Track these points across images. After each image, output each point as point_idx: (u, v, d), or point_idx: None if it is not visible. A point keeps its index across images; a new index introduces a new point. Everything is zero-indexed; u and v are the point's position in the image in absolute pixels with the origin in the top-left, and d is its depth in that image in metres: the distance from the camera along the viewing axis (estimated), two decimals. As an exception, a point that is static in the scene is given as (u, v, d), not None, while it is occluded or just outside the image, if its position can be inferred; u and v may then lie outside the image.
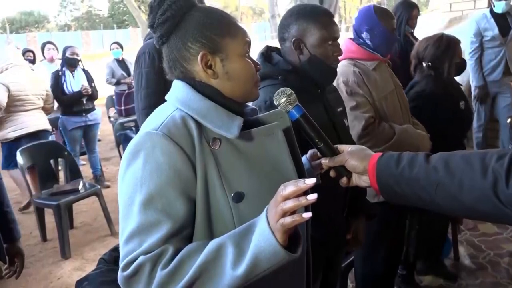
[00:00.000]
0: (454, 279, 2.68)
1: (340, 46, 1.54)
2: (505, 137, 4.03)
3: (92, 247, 3.48)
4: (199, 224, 0.91)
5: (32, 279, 3.05)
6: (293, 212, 0.78)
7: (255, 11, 34.24)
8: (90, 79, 4.66)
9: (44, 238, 3.62)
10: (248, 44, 1.01)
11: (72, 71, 4.55)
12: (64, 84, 4.44)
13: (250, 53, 1.03)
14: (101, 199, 3.59)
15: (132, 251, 0.86)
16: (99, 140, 7.16)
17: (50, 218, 3.60)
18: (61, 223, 3.28)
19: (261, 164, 0.98)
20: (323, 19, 1.47)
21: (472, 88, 4.09)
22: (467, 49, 3.96)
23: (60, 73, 4.48)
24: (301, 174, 1.06)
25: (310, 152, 1.18)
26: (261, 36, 23.91)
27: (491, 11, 3.88)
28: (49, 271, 3.15)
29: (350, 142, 1.68)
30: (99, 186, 3.72)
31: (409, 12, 3.42)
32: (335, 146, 1.05)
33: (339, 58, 1.55)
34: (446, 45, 2.35)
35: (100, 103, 7.04)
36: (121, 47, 6.36)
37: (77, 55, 4.58)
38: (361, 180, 1.01)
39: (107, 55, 6.81)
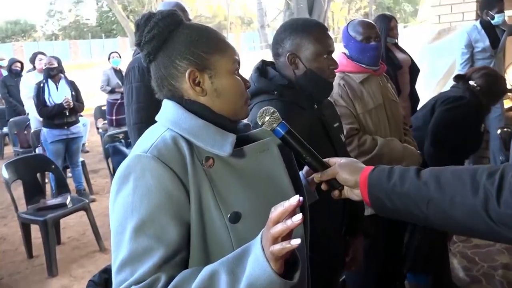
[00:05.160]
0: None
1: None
2: (495, 148, 4.05)
3: (80, 263, 3.39)
4: (194, 248, 0.88)
5: (17, 298, 2.94)
6: (287, 235, 0.74)
7: (243, 20, 34.41)
8: (75, 91, 4.58)
9: (30, 254, 3.50)
10: (237, 61, 0.99)
11: (55, 82, 4.46)
12: (46, 95, 4.35)
13: (239, 69, 1.01)
14: (89, 214, 3.51)
15: (124, 281, 0.82)
16: (87, 152, 7.09)
17: (36, 233, 3.50)
18: (48, 240, 3.19)
19: (257, 181, 0.95)
20: (317, 33, 1.46)
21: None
22: (458, 60, 3.99)
23: (42, 84, 4.39)
24: (299, 189, 1.03)
25: (305, 168, 1.16)
26: (250, 46, 24.02)
27: (481, 23, 3.92)
28: (35, 289, 3.05)
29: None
30: (87, 201, 3.64)
31: (387, 24, 3.46)
32: (325, 159, 1.03)
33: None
34: (499, 88, 2.50)
35: (88, 113, 6.96)
36: (120, 56, 6.40)
37: (50, 63, 4.44)
38: (353, 194, 1.00)
39: (95, 65, 6.78)
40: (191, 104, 0.95)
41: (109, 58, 6.39)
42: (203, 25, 1.02)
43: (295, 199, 0.73)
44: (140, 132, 2.26)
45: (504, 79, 2.62)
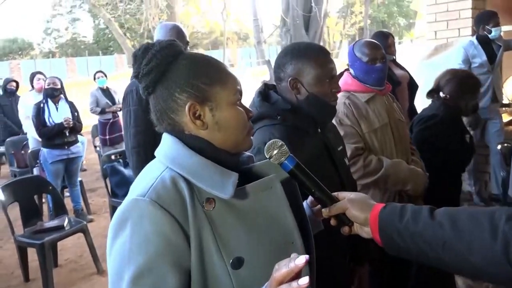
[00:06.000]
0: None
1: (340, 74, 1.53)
2: (496, 163, 4.04)
3: (78, 287, 3.32)
4: None
5: (13, 325, 2.87)
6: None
7: (240, 36, 34.67)
8: (74, 111, 4.56)
9: (26, 278, 3.43)
10: (239, 91, 0.95)
11: (55, 103, 4.45)
12: (46, 116, 4.33)
13: (241, 99, 0.98)
14: (87, 236, 3.46)
15: None
16: (84, 170, 7.04)
17: (33, 255, 3.43)
18: (45, 264, 3.13)
19: (260, 222, 0.91)
20: (319, 57, 1.44)
21: (462, 114, 4.12)
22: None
23: (42, 105, 4.37)
24: (304, 228, 1.00)
25: (310, 198, 1.13)
26: (247, 61, 24.14)
27: (478, 38, 3.94)
28: (32, 315, 2.98)
29: (351, 181, 1.63)
30: (85, 222, 3.59)
31: (384, 41, 3.48)
32: (334, 193, 1.01)
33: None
34: (469, 85, 2.40)
35: (85, 131, 6.94)
36: (106, 76, 6.30)
37: (54, 84, 4.44)
38: (363, 231, 0.97)
39: (92, 82, 6.74)
40: (191, 138, 0.92)
41: (94, 79, 6.27)
42: (203, 54, 0.99)
43: (302, 260, 0.70)
44: (138, 156, 2.25)
45: (469, 73, 2.52)
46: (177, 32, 2.26)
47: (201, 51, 28.97)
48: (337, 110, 2.03)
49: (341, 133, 1.98)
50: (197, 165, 0.88)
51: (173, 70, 0.92)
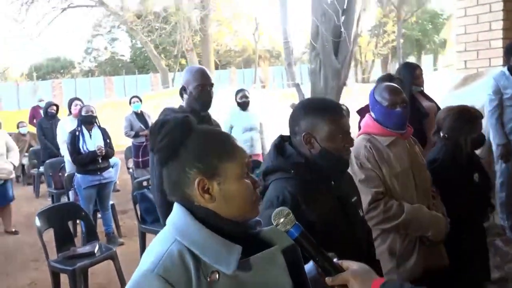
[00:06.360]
0: None
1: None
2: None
3: (106, 312, 3.43)
4: None
5: None
6: None
7: (272, 54, 34.95)
8: (106, 137, 4.76)
9: (59, 301, 3.58)
10: (247, 163, 1.02)
11: (89, 130, 4.66)
12: (80, 143, 4.54)
13: (249, 171, 1.04)
14: (116, 262, 3.57)
15: None
16: (117, 191, 7.27)
17: (65, 278, 3.56)
18: (76, 289, 3.25)
19: None
20: (332, 113, 1.49)
21: (494, 147, 4.01)
22: (486, 107, 3.92)
23: (77, 133, 4.59)
24: None
25: None
26: (279, 82, 24.26)
27: (509, 69, 3.86)
28: None
29: (365, 233, 1.65)
30: (114, 249, 3.71)
31: (412, 72, 3.47)
32: (339, 261, 1.05)
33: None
34: (465, 119, 2.31)
35: (118, 150, 7.18)
36: (140, 100, 6.59)
37: (92, 112, 4.69)
38: None
39: (127, 103, 7.04)
40: (200, 209, 0.99)
41: (130, 103, 6.62)
42: (215, 129, 1.07)
43: None
44: (162, 195, 2.33)
45: (466, 106, 2.38)
46: (202, 74, 2.37)
47: (233, 69, 29.47)
48: (358, 153, 2.07)
49: (362, 176, 2.00)
50: (203, 238, 0.95)
51: (185, 146, 0.99)
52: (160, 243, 0.99)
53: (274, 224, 1.04)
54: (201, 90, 2.33)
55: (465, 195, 2.24)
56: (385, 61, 29.58)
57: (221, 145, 1.01)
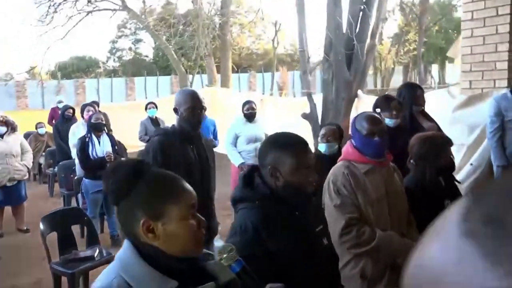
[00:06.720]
0: None
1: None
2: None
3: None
4: None
5: None
6: None
7: (293, 58, 34.93)
8: (114, 144, 4.91)
9: (59, 302, 3.72)
10: (192, 205, 1.10)
11: (98, 136, 4.81)
12: (90, 149, 4.70)
13: (195, 211, 1.12)
14: (115, 268, 3.70)
15: None
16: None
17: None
18: (74, 292, 3.39)
19: None
20: (295, 148, 1.56)
21: (495, 168, 3.99)
22: (487, 129, 3.90)
23: (87, 139, 4.75)
24: None
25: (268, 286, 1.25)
26: (298, 88, 24.22)
27: None
28: None
29: (328, 265, 1.70)
30: (113, 254, 3.84)
31: (413, 93, 3.48)
32: None
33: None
34: (430, 146, 2.32)
35: (131, 151, 7.35)
36: (156, 107, 6.82)
37: (102, 119, 4.85)
38: None
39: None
40: (146, 247, 1.09)
41: (146, 109, 6.85)
42: (166, 173, 1.16)
43: None
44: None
45: (433, 133, 2.37)
46: (192, 98, 2.47)
47: (253, 73, 29.60)
48: (336, 179, 2.14)
49: (338, 202, 2.07)
50: (143, 274, 1.05)
51: (134, 189, 1.09)
52: (105, 276, 1.09)
53: (218, 258, 1.13)
54: (191, 112, 2.43)
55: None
56: (406, 69, 29.21)
57: (168, 189, 1.10)
